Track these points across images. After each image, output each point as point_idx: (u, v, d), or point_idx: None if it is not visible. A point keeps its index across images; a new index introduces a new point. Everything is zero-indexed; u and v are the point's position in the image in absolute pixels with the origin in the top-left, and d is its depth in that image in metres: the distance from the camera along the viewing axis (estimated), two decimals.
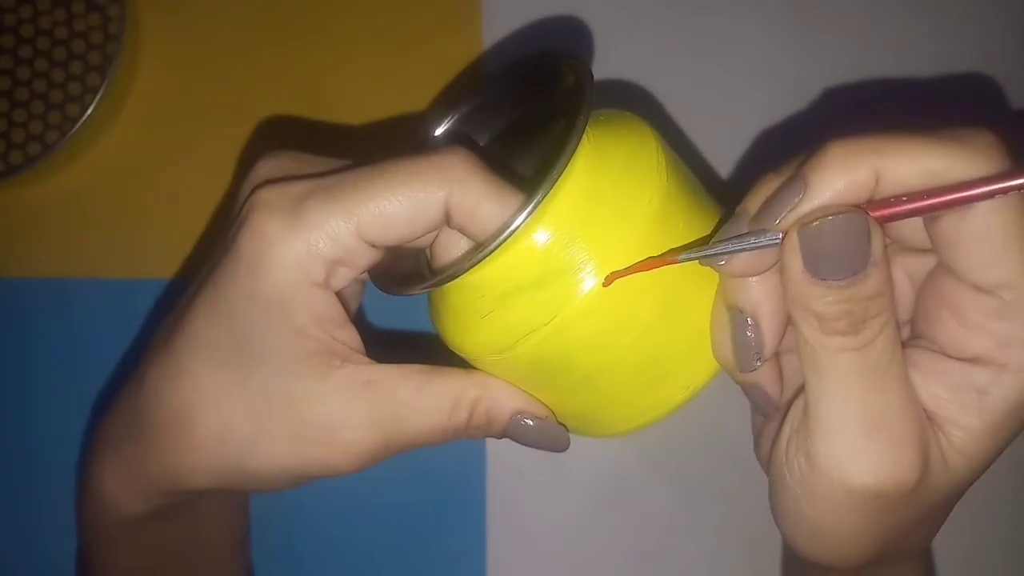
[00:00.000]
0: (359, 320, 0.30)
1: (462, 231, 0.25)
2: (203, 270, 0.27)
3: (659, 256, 0.26)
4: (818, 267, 0.23)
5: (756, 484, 0.44)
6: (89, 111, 0.42)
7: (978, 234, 0.23)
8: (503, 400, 0.28)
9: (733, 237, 0.24)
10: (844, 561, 0.26)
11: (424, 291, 0.26)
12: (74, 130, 0.42)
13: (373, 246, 0.25)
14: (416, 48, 0.46)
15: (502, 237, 0.24)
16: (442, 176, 0.24)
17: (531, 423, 0.28)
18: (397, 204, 0.24)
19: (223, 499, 0.35)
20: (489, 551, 0.43)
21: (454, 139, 0.31)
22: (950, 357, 0.25)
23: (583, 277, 0.25)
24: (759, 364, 0.26)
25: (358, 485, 0.44)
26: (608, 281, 0.25)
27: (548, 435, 0.29)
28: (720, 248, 0.25)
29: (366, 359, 0.27)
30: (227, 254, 0.26)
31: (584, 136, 0.25)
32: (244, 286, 0.25)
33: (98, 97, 0.43)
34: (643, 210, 0.26)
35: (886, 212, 0.23)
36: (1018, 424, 0.24)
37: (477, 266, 0.25)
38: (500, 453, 0.44)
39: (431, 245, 0.28)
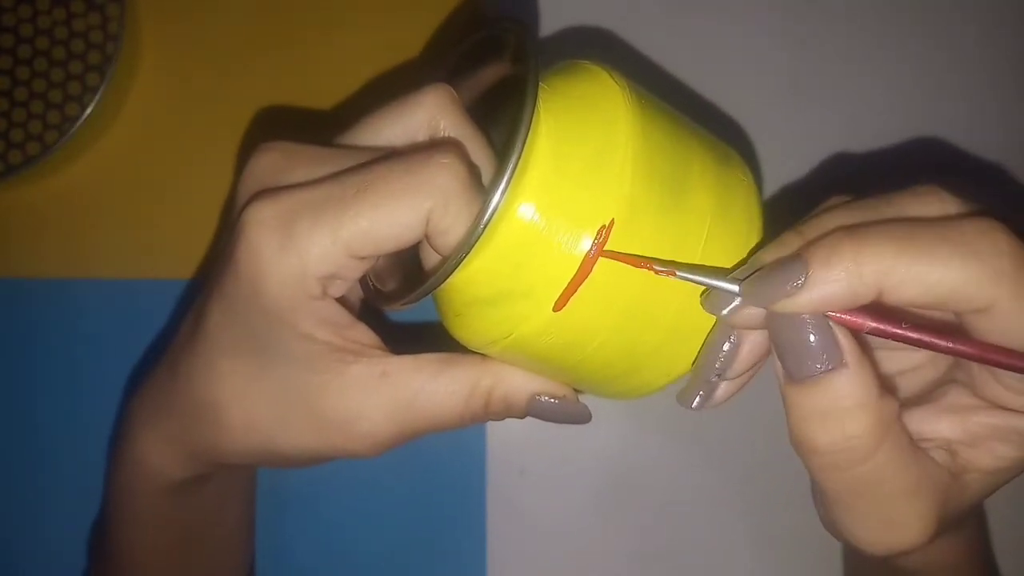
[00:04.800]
0: (377, 315, 0.30)
1: (429, 242, 0.26)
2: (212, 272, 0.28)
3: (653, 262, 0.25)
4: (788, 365, 0.23)
5: (758, 486, 0.44)
6: (88, 111, 0.42)
7: (1005, 332, 0.23)
8: (519, 385, 0.28)
9: (728, 282, 0.24)
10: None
11: (400, 308, 0.27)
12: (73, 130, 0.42)
13: (363, 259, 0.26)
14: (418, 44, 0.46)
15: (436, 277, 0.25)
16: (427, 192, 0.24)
17: (553, 401, 0.29)
18: (382, 222, 0.24)
19: (247, 474, 0.37)
20: (489, 551, 0.43)
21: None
22: (991, 405, 0.25)
23: (535, 300, 0.25)
24: (715, 379, 0.26)
25: (358, 485, 0.44)
26: (558, 306, 0.25)
27: (568, 412, 0.29)
28: (714, 282, 0.24)
29: (381, 352, 0.28)
30: (229, 267, 0.26)
31: (529, 148, 0.24)
32: (248, 299, 0.26)
33: (97, 97, 0.42)
34: (598, 228, 0.25)
35: (867, 326, 0.23)
36: None
37: (453, 274, 0.25)
38: (500, 453, 0.44)
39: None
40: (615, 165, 0.25)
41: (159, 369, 0.31)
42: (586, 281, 0.25)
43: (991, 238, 0.22)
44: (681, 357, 0.28)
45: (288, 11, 0.46)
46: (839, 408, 0.23)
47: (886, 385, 0.24)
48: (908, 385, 0.28)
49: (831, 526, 0.27)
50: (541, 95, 0.25)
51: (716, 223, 0.26)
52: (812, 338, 0.23)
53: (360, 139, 0.27)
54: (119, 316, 0.45)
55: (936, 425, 0.25)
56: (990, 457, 0.25)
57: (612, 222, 0.24)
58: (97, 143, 0.45)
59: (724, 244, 0.26)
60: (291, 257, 0.25)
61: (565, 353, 0.26)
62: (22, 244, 0.45)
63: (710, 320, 0.27)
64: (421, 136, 0.27)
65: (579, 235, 0.25)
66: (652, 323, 0.26)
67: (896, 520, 0.24)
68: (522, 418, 0.29)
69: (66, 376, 0.44)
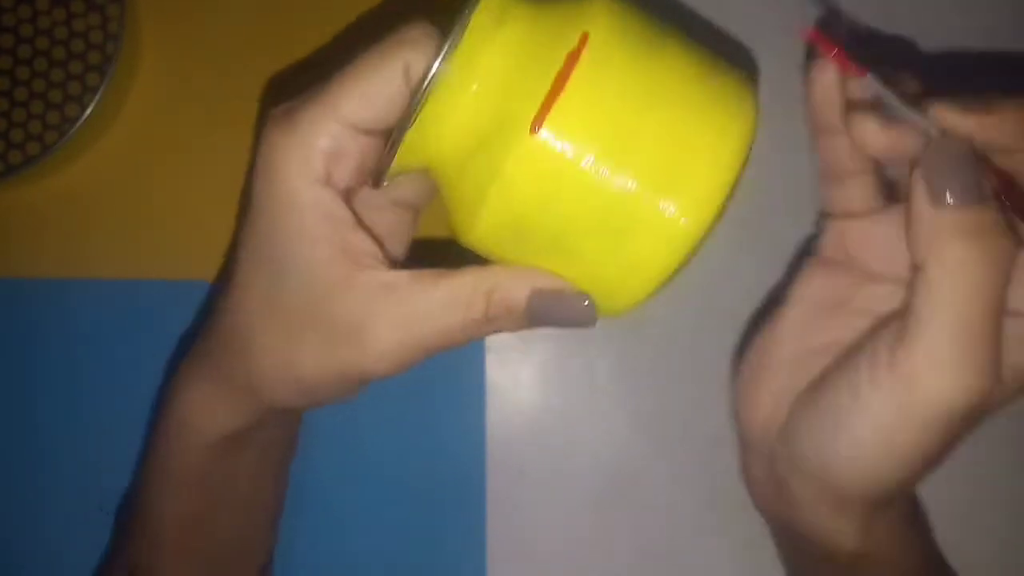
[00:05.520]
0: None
1: (415, 93, 0.27)
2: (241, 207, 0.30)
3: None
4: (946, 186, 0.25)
5: None
6: (88, 111, 0.42)
7: None
8: (516, 284, 0.28)
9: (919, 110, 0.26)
10: (887, 488, 0.28)
11: (391, 162, 0.27)
12: (73, 130, 0.42)
13: (363, 131, 0.28)
14: None
15: (420, 94, 0.25)
16: (398, 46, 0.27)
17: (551, 300, 0.28)
18: (367, 81, 0.27)
19: (286, 435, 0.38)
20: (489, 551, 0.43)
21: None
22: None
23: (514, 126, 0.25)
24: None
25: (358, 484, 0.44)
26: (535, 127, 0.25)
27: (570, 309, 0.28)
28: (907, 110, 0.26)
29: (383, 266, 0.29)
30: (251, 175, 0.29)
31: None
32: (261, 195, 0.28)
33: (97, 97, 0.42)
34: (570, 46, 0.25)
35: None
36: None
37: (417, 112, 0.26)
38: (500, 453, 0.44)
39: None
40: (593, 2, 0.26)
41: (206, 319, 0.33)
42: (562, 102, 0.25)
43: None
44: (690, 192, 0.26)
45: (288, 11, 0.46)
46: (985, 228, 0.25)
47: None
48: None
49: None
50: None
51: (696, 81, 0.26)
52: (972, 168, 0.25)
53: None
54: (119, 316, 0.45)
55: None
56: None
57: (585, 39, 0.25)
58: (97, 143, 0.45)
59: (703, 100, 0.26)
60: (294, 136, 0.28)
61: (554, 204, 0.26)
62: (22, 244, 0.45)
63: (706, 166, 0.26)
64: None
65: (553, 56, 0.25)
66: (641, 151, 0.25)
67: (987, 360, 0.25)
68: (525, 327, 0.29)
69: (66, 376, 0.44)
